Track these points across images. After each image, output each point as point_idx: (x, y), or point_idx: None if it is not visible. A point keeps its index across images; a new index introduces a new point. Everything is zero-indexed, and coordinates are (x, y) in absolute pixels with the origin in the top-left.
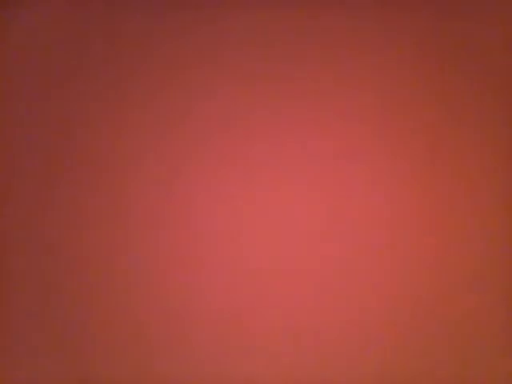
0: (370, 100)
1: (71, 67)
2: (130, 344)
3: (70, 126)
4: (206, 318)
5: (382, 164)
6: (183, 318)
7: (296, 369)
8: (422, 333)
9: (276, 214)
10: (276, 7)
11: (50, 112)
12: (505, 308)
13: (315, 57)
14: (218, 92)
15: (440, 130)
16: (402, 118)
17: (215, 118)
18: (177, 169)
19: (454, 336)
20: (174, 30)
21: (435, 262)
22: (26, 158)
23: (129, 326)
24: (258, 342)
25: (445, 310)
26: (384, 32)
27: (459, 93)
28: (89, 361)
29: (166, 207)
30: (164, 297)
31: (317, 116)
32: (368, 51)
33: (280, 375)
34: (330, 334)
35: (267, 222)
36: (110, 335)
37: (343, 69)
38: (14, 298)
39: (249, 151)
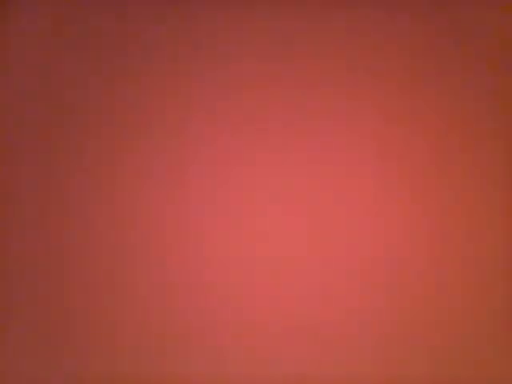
0: (370, 102)
1: (71, 67)
2: (128, 343)
3: (70, 125)
4: (206, 318)
5: (384, 165)
6: (183, 317)
7: (296, 368)
8: (422, 333)
9: (277, 213)
10: (276, 7)
11: (50, 111)
12: (505, 308)
13: (315, 57)
14: (219, 95)
15: (441, 130)
16: (403, 120)
17: (217, 118)
18: (178, 169)
19: (454, 336)
20: (175, 30)
21: (436, 261)
22: (26, 158)
23: (128, 325)
24: (258, 342)
25: (445, 310)
26: (383, 32)
27: (460, 92)
28: (87, 359)
29: (167, 207)
30: (164, 296)
31: (318, 117)
32: (367, 52)
33: (280, 375)
34: (331, 334)
35: (268, 222)
36: (109, 334)
37: (344, 69)
38: (12, 297)
39: (249, 151)
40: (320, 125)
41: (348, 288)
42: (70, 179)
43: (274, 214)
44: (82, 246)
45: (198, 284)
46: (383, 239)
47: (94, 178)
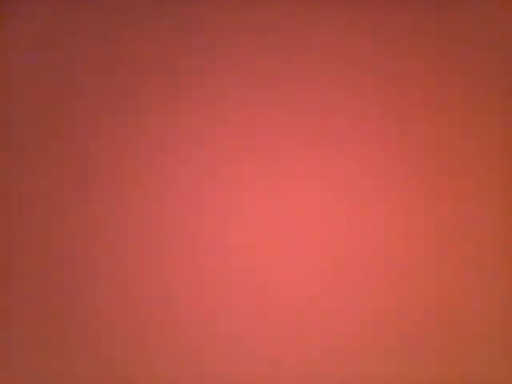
0: (370, 100)
1: (71, 67)
2: (129, 344)
3: (69, 125)
4: (207, 319)
5: (383, 164)
6: (184, 318)
7: (296, 369)
8: (422, 333)
9: (279, 214)
10: (275, 6)
11: (50, 112)
12: (505, 308)
13: (315, 56)
14: (220, 96)
15: (441, 128)
16: (403, 118)
17: (218, 118)
18: (179, 170)
19: (455, 336)
20: (175, 29)
21: (436, 262)
22: (25, 159)
23: (128, 326)
24: (257, 342)
25: (445, 310)
26: (383, 31)
27: (459, 91)
28: (87, 360)
29: (166, 208)
30: (165, 297)
31: (318, 117)
32: (367, 51)
33: (280, 375)
34: (330, 334)
35: (271, 223)
36: (110, 335)
37: (343, 68)
38: (13, 298)
39: (250, 151)
40: (320, 124)
41: (348, 288)
42: (70, 178)
43: (273, 213)
44: (82, 247)
45: (198, 284)
46: (383, 239)
47: (93, 177)
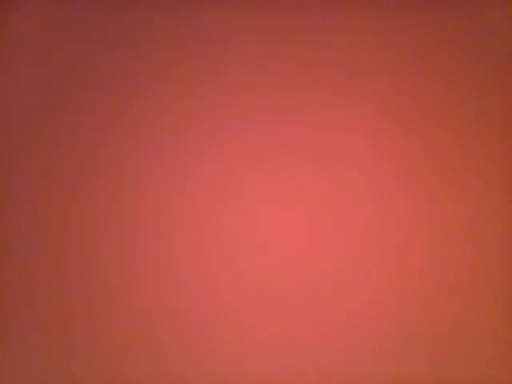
0: (370, 103)
1: (71, 68)
2: (129, 345)
3: (69, 126)
4: (208, 319)
5: (381, 167)
6: (184, 318)
7: (297, 369)
8: (422, 333)
9: (275, 214)
10: (276, 7)
11: (49, 112)
12: (505, 308)
13: (313, 57)
14: (221, 96)
15: (440, 131)
16: (402, 122)
17: (219, 118)
18: (180, 170)
19: (454, 336)
20: (176, 29)
21: (436, 261)
22: (25, 160)
23: (133, 326)
24: (257, 343)
25: (445, 310)
26: (384, 33)
27: (459, 94)
28: (87, 361)
29: (171, 207)
30: (169, 297)
31: (317, 119)
32: (368, 52)
33: (280, 375)
34: (331, 334)
35: (265, 222)
36: (115, 335)
37: (342, 71)
38: (13, 299)
39: (250, 151)
40: (319, 125)
41: (347, 288)
42: (70, 177)
43: (272, 213)
44: (83, 248)
45: (198, 286)
46: (383, 240)
47: (96, 177)
